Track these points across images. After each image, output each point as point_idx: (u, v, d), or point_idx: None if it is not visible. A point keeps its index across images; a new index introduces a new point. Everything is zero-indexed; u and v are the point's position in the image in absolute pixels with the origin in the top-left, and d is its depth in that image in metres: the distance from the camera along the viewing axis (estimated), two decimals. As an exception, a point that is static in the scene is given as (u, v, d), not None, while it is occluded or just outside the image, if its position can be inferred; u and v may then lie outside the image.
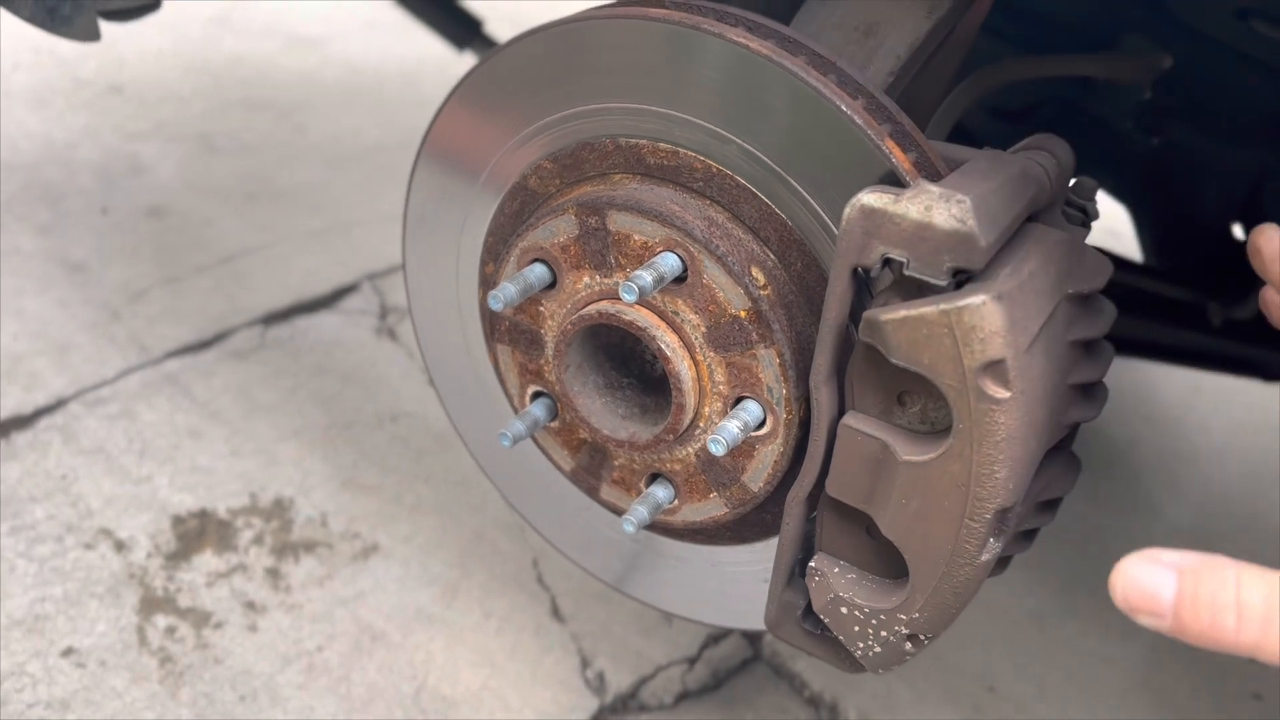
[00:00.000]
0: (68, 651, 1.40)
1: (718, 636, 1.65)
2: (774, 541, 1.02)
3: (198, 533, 1.58)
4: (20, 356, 1.80)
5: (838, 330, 0.84)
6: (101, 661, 1.39)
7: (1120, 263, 1.59)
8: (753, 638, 1.67)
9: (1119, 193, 1.70)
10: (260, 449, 1.76)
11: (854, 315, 0.85)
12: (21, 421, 1.69)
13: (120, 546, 1.53)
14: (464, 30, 2.13)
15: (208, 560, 1.55)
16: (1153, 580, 0.70)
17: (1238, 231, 1.65)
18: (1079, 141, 1.39)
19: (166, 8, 1.79)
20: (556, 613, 1.63)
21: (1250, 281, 1.56)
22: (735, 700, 1.58)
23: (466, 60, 2.19)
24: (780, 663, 1.64)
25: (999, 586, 1.82)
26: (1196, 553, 0.71)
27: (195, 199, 2.31)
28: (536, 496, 1.21)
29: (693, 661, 1.61)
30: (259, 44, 3.09)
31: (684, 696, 1.57)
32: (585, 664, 1.57)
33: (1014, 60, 1.18)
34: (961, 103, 1.16)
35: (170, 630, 1.45)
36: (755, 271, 0.88)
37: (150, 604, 1.47)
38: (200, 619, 1.47)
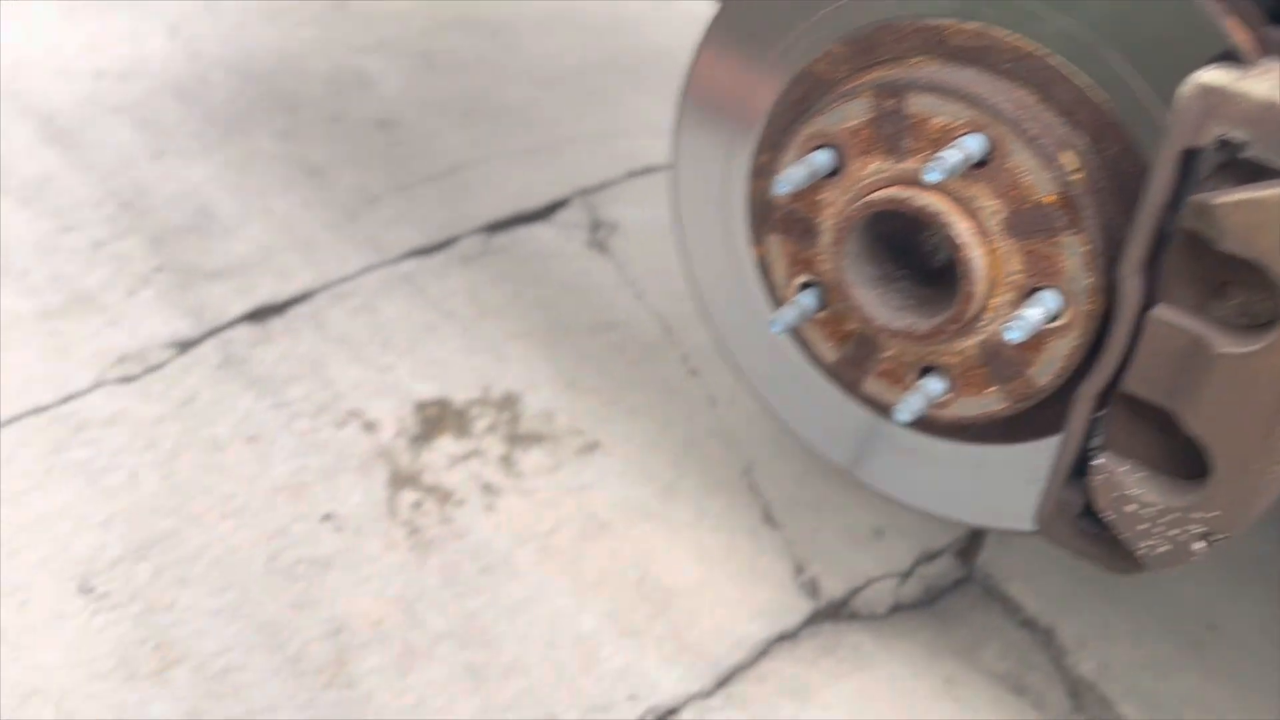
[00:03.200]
0: (327, 517, 1.51)
1: (931, 554, 1.65)
2: (1044, 442, 1.02)
3: (437, 419, 1.67)
4: (271, 249, 1.92)
5: (1159, 216, 0.83)
6: (357, 528, 1.50)
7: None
8: (966, 557, 1.66)
9: None
10: (489, 347, 1.84)
11: (1173, 203, 0.83)
12: (276, 309, 1.81)
13: (369, 426, 1.64)
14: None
15: (447, 444, 1.64)
16: None
17: None
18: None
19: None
20: (769, 518, 1.66)
21: None
22: (948, 616, 1.58)
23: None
24: (994, 584, 1.63)
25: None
26: None
27: (418, 113, 2.40)
28: (785, 391, 1.23)
29: (905, 576, 1.62)
30: (469, -34, 3.15)
31: (896, 609, 1.58)
32: (799, 569, 1.59)
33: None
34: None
35: (417, 504, 1.54)
36: (1066, 156, 0.87)
37: (398, 480, 1.57)
38: (443, 496, 1.56)
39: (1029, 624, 1.58)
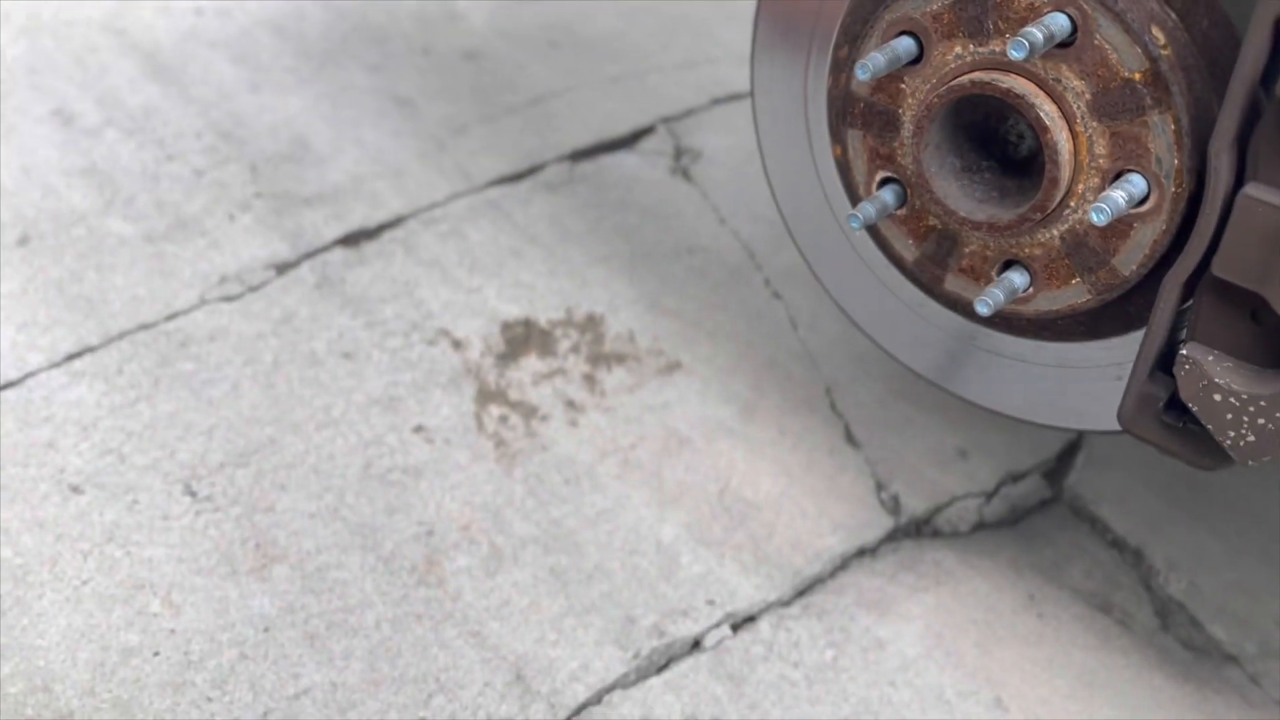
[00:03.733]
0: (418, 429, 1.56)
1: (1017, 475, 1.64)
2: (1131, 337, 1.00)
3: (523, 338, 1.71)
4: (363, 178, 1.97)
5: (1250, 88, 0.80)
6: (446, 440, 1.55)
7: None
8: (1054, 479, 1.64)
9: None
10: (573, 271, 1.86)
11: (1266, 76, 0.80)
12: (369, 234, 1.86)
13: (457, 345, 1.68)
14: None
15: (532, 362, 1.67)
16: None
17: None
18: None
19: None
20: (850, 438, 1.66)
21: None
22: (1033, 536, 1.57)
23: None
24: (1081, 505, 1.61)
25: None
26: None
27: (505, 45, 2.42)
28: (864, 297, 1.23)
29: (989, 496, 1.61)
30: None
31: (980, 527, 1.57)
32: (880, 487, 1.59)
33: None
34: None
35: (503, 419, 1.58)
36: (1155, 30, 0.85)
37: (485, 395, 1.61)
38: (528, 411, 1.60)
39: (1117, 544, 1.55)
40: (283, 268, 1.77)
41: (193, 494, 1.45)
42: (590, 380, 1.67)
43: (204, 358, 1.62)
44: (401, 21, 2.43)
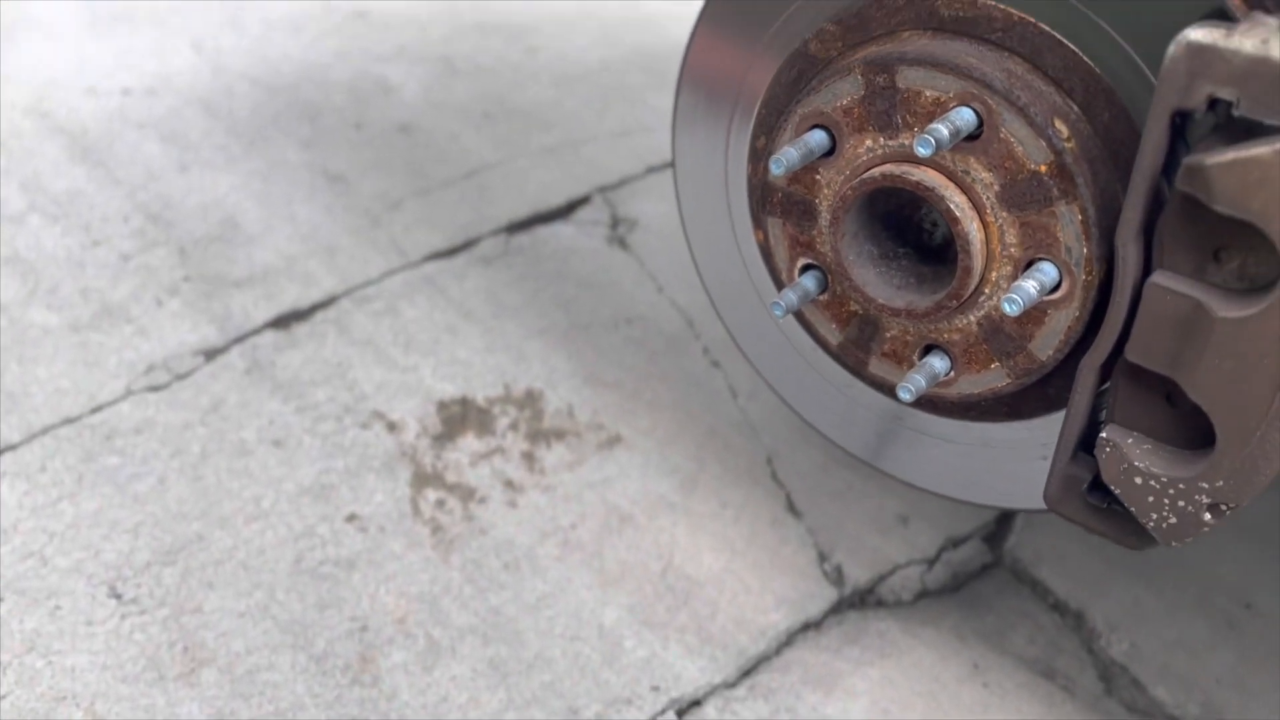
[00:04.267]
0: (351, 517, 1.53)
1: (957, 540, 1.64)
2: (1053, 417, 1.00)
3: (460, 417, 1.69)
4: (294, 257, 1.95)
5: (1152, 181, 0.81)
6: (381, 528, 1.52)
7: None
8: (993, 543, 1.64)
9: None
10: (510, 345, 1.85)
11: (1167, 167, 0.82)
12: (300, 314, 1.83)
13: (392, 427, 1.66)
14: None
15: (470, 442, 1.65)
16: None
17: None
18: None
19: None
20: (792, 507, 1.65)
21: None
22: (975, 602, 1.56)
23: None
24: (1022, 569, 1.61)
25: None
26: None
27: (439, 117, 2.42)
28: (792, 376, 1.23)
29: (931, 563, 1.61)
30: (487, -29, 3.18)
31: (923, 595, 1.57)
32: (823, 557, 1.59)
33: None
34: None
35: (440, 503, 1.56)
36: (1058, 124, 0.86)
37: (421, 479, 1.59)
38: (466, 494, 1.57)
39: (1059, 607, 1.56)
40: (212, 353, 1.74)
41: (118, 596, 1.41)
42: (529, 458, 1.65)
43: (130, 451, 1.58)
44: (333, 96, 2.42)
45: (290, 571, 1.45)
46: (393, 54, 2.62)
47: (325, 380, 1.72)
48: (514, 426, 1.69)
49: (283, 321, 1.81)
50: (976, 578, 1.60)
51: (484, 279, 2.00)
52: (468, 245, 2.07)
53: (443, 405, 1.70)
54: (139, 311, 1.80)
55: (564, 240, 2.16)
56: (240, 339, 1.77)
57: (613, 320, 1.97)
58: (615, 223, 2.24)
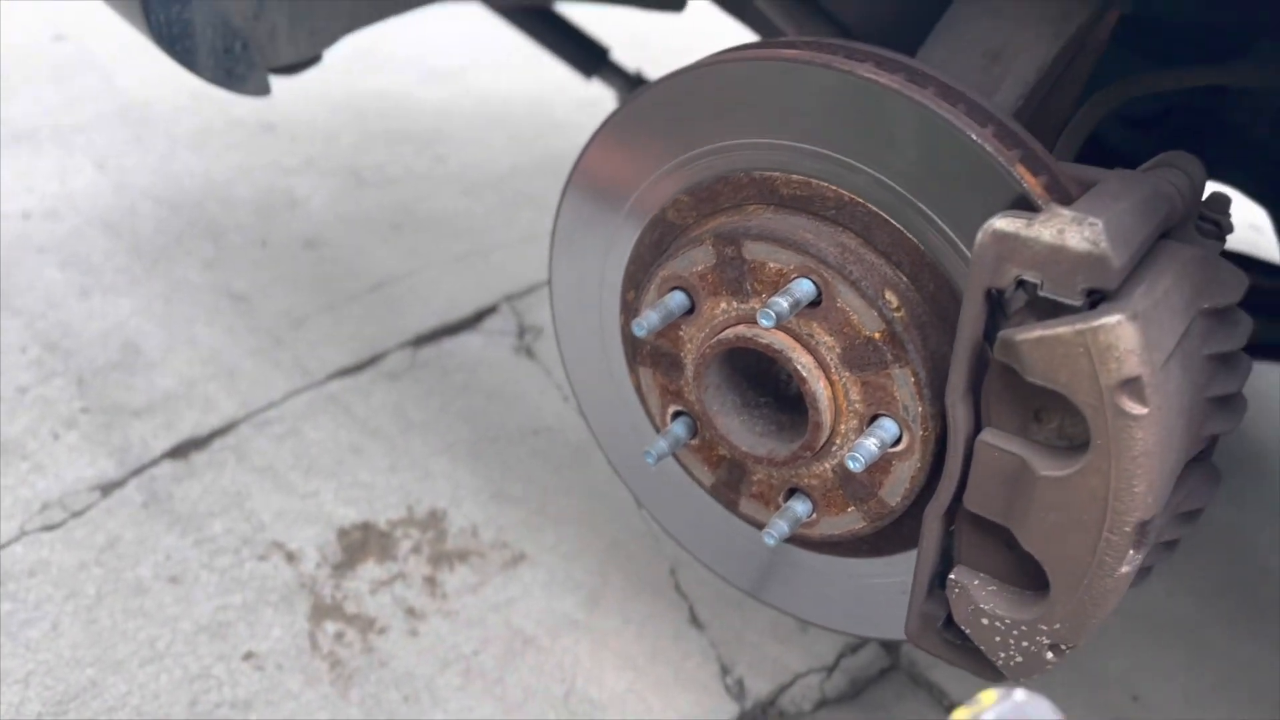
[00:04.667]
0: (248, 655, 1.52)
1: (855, 646, 1.68)
2: (912, 554, 1.05)
3: (361, 544, 1.70)
4: (195, 381, 1.95)
5: (973, 349, 0.87)
6: (278, 665, 1.51)
7: (1259, 264, 1.56)
8: (890, 647, 1.68)
9: (1258, 197, 1.66)
10: (415, 463, 1.86)
11: (989, 334, 0.88)
12: (199, 443, 1.83)
13: (291, 557, 1.66)
14: (591, 58, 2.21)
15: (371, 569, 1.66)
16: None
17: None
18: (1214, 147, 1.38)
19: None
20: (695, 619, 1.68)
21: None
22: (874, 708, 1.60)
23: (596, 87, 2.27)
24: (918, 672, 1.65)
25: (1143, 593, 1.79)
26: None
27: (346, 230, 2.45)
28: (678, 509, 1.27)
29: (830, 670, 1.64)
30: (399, 77, 3.25)
31: (823, 704, 1.60)
32: (725, 670, 1.61)
33: (1141, 75, 1.18)
34: (1091, 118, 1.16)
35: (339, 635, 1.56)
36: (889, 294, 0.92)
37: (320, 611, 1.59)
38: (366, 624, 1.57)
39: (954, 709, 1.60)
40: (108, 488, 1.73)
41: (5, 752, 1.38)
42: (432, 583, 1.66)
43: (22, 596, 1.56)
44: (238, 212, 2.44)
45: (186, 716, 1.43)
46: (300, 166, 2.65)
47: (223, 511, 1.72)
48: (416, 550, 1.71)
49: (181, 450, 1.81)
50: (875, 682, 1.63)
51: (390, 395, 2.02)
52: (374, 360, 2.09)
53: (343, 532, 1.71)
54: (35, 446, 1.78)
55: (472, 351, 2.19)
56: (138, 471, 1.76)
57: (519, 432, 2.00)
58: (522, 331, 2.28)
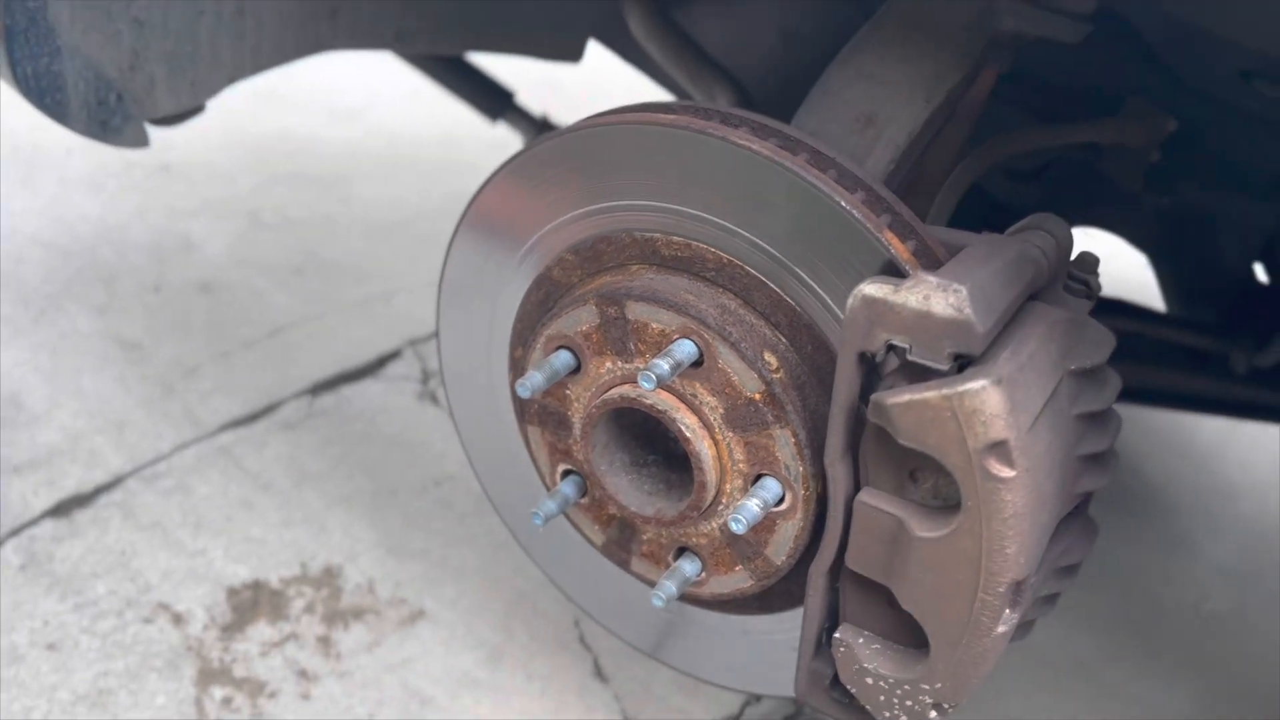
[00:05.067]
0: (130, 724, 1.45)
1: (759, 696, 1.67)
2: (800, 611, 1.05)
3: (251, 603, 1.64)
4: (80, 435, 1.88)
5: (848, 411, 0.88)
6: (162, 734, 1.45)
7: (1142, 313, 1.61)
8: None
9: (1138, 244, 1.72)
10: (310, 517, 1.82)
11: (864, 395, 0.89)
12: (82, 500, 1.76)
13: (178, 620, 1.60)
14: (496, 102, 2.20)
15: (261, 630, 1.60)
16: None
17: (1260, 274, 1.66)
18: (1092, 200, 1.42)
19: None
20: (599, 673, 1.66)
21: (1274, 327, 1.57)
22: (777, 758, 1.59)
23: (502, 128, 2.26)
24: (823, 718, 1.65)
25: (1039, 633, 1.82)
26: None
27: (244, 274, 2.40)
28: (572, 567, 1.25)
29: None
30: (302, 117, 3.20)
31: (727, 754, 1.59)
32: (628, 724, 1.59)
33: (1013, 133, 1.22)
34: (968, 175, 1.19)
35: (226, 701, 1.50)
36: (768, 355, 0.93)
37: (207, 675, 1.53)
38: (255, 689, 1.52)
39: (856, 757, 1.60)
40: (-17, 551, 1.65)
41: None
42: (325, 643, 1.61)
43: (-118, 669, 1.47)
44: (132, 256, 2.37)
45: (59, 794, 1.37)
46: (197, 209, 2.59)
47: (107, 571, 1.65)
48: (310, 609, 1.66)
49: (63, 508, 1.74)
50: (779, 731, 1.63)
51: (285, 446, 1.97)
52: (269, 410, 2.04)
53: (233, 591, 1.66)
54: (-97, 508, 1.69)
55: (372, 398, 2.15)
56: (16, 531, 1.69)
57: (421, 482, 1.97)
58: (426, 377, 2.24)
